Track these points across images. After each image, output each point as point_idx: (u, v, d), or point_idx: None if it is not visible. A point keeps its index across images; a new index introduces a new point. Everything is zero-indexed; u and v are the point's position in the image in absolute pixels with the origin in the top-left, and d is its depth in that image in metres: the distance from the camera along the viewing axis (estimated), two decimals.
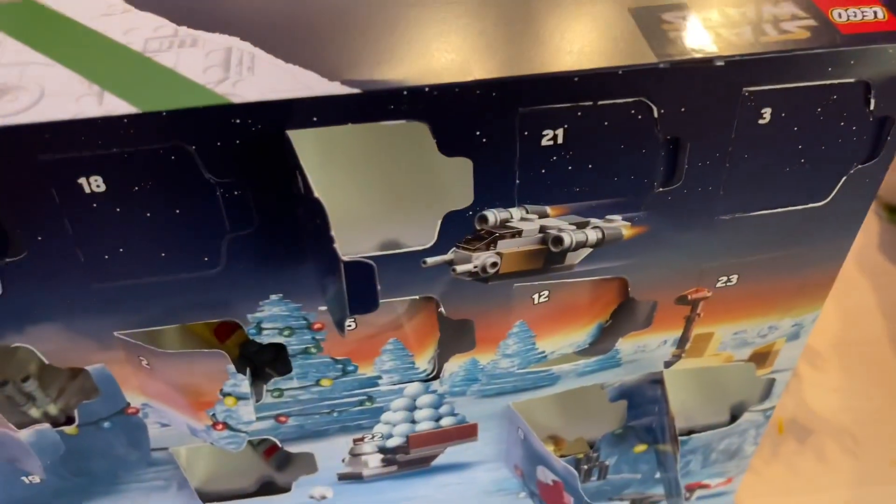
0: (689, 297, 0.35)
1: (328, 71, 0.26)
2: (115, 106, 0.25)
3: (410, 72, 0.26)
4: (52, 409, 0.35)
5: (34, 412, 0.35)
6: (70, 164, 0.26)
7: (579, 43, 0.27)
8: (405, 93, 0.26)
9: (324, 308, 0.32)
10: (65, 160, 0.26)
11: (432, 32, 0.28)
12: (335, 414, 0.37)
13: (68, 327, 0.31)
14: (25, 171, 0.26)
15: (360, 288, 0.24)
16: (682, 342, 0.38)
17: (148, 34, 0.28)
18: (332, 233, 0.24)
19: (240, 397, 0.33)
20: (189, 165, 0.27)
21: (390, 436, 0.39)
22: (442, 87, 0.26)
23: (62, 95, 0.26)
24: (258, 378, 0.36)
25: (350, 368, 0.35)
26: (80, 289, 0.29)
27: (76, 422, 0.34)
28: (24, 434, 0.32)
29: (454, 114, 0.27)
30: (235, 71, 0.26)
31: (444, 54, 0.27)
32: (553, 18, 0.28)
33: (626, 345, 0.37)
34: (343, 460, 0.40)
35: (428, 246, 0.30)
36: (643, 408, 0.42)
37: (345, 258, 0.24)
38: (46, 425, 0.33)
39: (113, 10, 0.30)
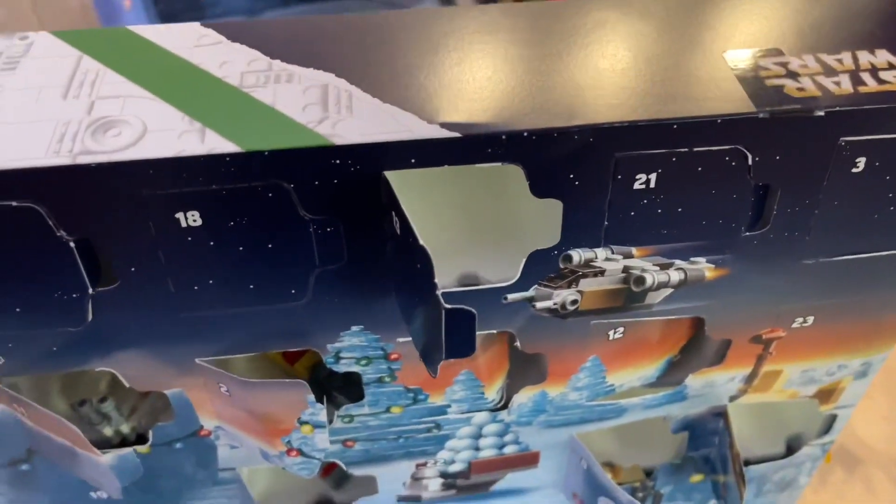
0: (764, 336, 0.35)
1: (426, 112, 0.26)
2: (218, 144, 0.25)
3: (507, 113, 0.26)
4: (125, 428, 0.36)
5: (107, 430, 0.35)
6: (170, 199, 0.26)
7: (676, 88, 0.27)
8: (504, 137, 0.26)
9: (402, 339, 0.32)
10: (165, 195, 0.26)
11: (529, 74, 0.28)
12: (402, 440, 0.37)
13: (151, 353, 0.31)
14: (126, 205, 0.26)
15: (460, 334, 0.25)
16: (750, 378, 0.38)
17: (243, 68, 0.28)
18: (436, 280, 0.24)
19: (316, 426, 0.33)
20: (285, 202, 0.27)
21: (453, 461, 0.39)
22: (541, 132, 0.26)
23: (165, 131, 0.26)
24: (327, 402, 0.36)
25: (421, 397, 0.35)
26: (166, 317, 0.30)
27: (149, 441, 0.35)
28: (107, 458, 0.33)
29: (551, 157, 0.27)
30: (334, 110, 0.27)
31: (541, 96, 0.27)
32: (649, 64, 0.28)
33: (694, 380, 0.37)
34: (404, 483, 0.40)
35: (510, 283, 0.30)
36: (703, 439, 0.42)
37: (447, 305, 0.24)
38: (129, 450, 0.34)
39: (204, 42, 0.30)
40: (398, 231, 0.26)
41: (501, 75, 0.28)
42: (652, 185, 0.28)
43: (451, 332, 0.24)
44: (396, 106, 0.27)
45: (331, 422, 0.35)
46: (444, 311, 0.24)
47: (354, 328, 0.31)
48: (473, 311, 0.24)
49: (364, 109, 0.27)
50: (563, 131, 0.26)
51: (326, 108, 0.27)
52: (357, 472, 0.39)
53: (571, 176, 0.27)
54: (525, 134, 0.26)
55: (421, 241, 0.24)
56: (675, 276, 0.31)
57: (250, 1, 1.08)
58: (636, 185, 0.28)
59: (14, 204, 0.25)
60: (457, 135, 0.26)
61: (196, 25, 0.30)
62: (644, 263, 0.31)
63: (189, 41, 0.30)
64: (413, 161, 0.26)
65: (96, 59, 0.29)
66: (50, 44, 0.30)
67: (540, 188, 0.27)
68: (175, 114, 0.26)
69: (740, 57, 0.29)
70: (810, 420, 0.42)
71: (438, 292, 0.24)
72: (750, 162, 0.28)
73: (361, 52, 0.29)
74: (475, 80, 0.28)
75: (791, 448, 0.45)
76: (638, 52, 0.29)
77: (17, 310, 0.28)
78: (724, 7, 0.32)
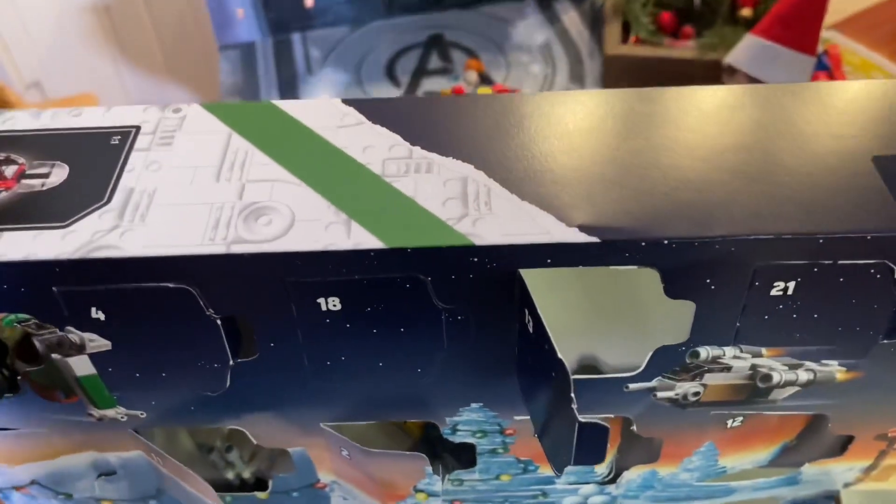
0: (890, 434, 0.34)
1: (563, 212, 0.27)
2: (363, 239, 0.26)
3: (644, 216, 0.26)
4: (246, 473, 0.37)
5: (230, 474, 0.37)
6: (313, 286, 0.27)
7: (824, 199, 0.27)
8: (643, 244, 0.26)
9: (519, 417, 0.33)
10: (309, 283, 0.27)
11: (671, 178, 0.28)
12: (507, 503, 0.38)
13: (279, 416, 0.32)
14: (272, 289, 0.27)
15: (591, 446, 0.25)
16: (868, 469, 0.37)
17: (384, 154, 0.29)
18: (573, 394, 0.24)
19: (431, 494, 0.34)
20: (421, 292, 0.27)
21: None
22: (682, 241, 0.26)
23: (312, 222, 0.27)
24: (438, 460, 0.37)
25: (531, 468, 0.35)
26: (297, 386, 0.31)
27: (269, 489, 0.36)
28: None
29: (688, 263, 0.26)
30: (473, 206, 0.27)
31: (677, 197, 0.27)
32: (786, 167, 0.28)
33: (811, 468, 0.36)
34: None
35: (634, 374, 0.30)
36: None
37: (581, 419, 0.24)
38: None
39: (347, 122, 0.31)
40: (531, 330, 0.27)
41: (634, 171, 0.28)
42: (790, 292, 0.27)
43: (582, 444, 0.25)
44: (534, 204, 0.27)
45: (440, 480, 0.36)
46: (577, 425, 0.24)
47: (474, 405, 0.32)
48: (607, 426, 0.24)
49: (502, 207, 0.27)
50: (705, 241, 0.26)
51: (466, 204, 0.27)
52: None
53: (707, 281, 0.27)
54: (665, 242, 0.26)
55: (559, 355, 0.24)
56: (804, 376, 0.30)
57: (355, 10, 1.10)
58: (773, 292, 0.27)
59: (170, 285, 0.27)
60: (595, 240, 0.26)
61: (337, 102, 0.31)
62: (772, 363, 0.30)
63: (332, 120, 0.31)
64: (549, 261, 0.27)
65: (244, 137, 0.30)
66: (201, 118, 0.31)
67: (674, 291, 0.27)
68: (321, 202, 0.27)
69: (889, 162, 0.28)
70: None
71: (573, 406, 0.24)
72: None
73: (497, 140, 0.29)
74: (609, 176, 0.28)
75: None
76: (771, 153, 0.28)
77: (164, 374, 0.30)
78: (857, 105, 0.30)
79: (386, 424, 0.38)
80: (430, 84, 0.96)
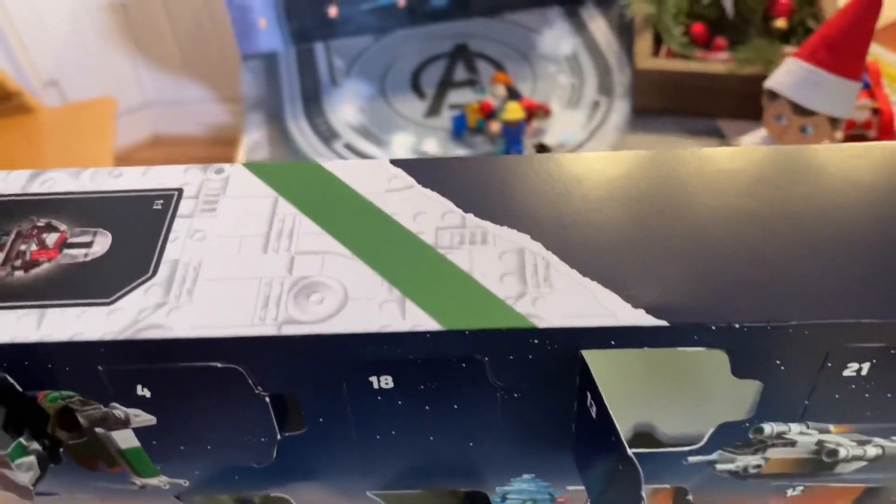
0: None
1: (628, 291, 0.25)
2: (419, 321, 0.25)
3: (710, 294, 0.25)
4: None
5: None
6: (366, 365, 0.26)
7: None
8: (713, 328, 0.25)
9: (572, 487, 0.32)
10: (362, 362, 0.26)
11: (736, 251, 0.26)
12: None
13: (325, 485, 0.31)
14: (323, 367, 0.26)
15: None
16: None
17: (437, 221, 0.28)
18: (643, 492, 0.23)
19: None
20: (476, 371, 0.26)
21: None
22: (753, 327, 0.25)
23: (366, 300, 0.26)
24: None
25: None
26: (345, 458, 0.30)
27: None
28: None
29: (759, 346, 0.25)
30: (532, 283, 0.26)
31: (751, 279, 0.26)
32: (869, 246, 0.26)
33: None
34: None
35: (694, 448, 0.29)
36: None
37: None
38: None
39: (396, 185, 0.30)
40: (593, 414, 0.26)
41: (698, 242, 0.27)
42: (863, 373, 0.26)
43: None
44: (596, 281, 0.26)
45: None
46: None
47: (526, 475, 0.31)
48: None
49: (562, 284, 0.26)
50: (778, 326, 0.25)
51: (524, 280, 0.26)
52: None
53: (777, 362, 0.26)
54: (737, 326, 0.25)
55: (629, 452, 0.23)
56: (872, 451, 0.29)
57: (378, 19, 1.09)
58: (846, 373, 0.26)
59: (218, 365, 0.26)
60: (664, 324, 0.25)
61: (385, 163, 0.30)
62: (840, 438, 0.29)
63: (380, 184, 0.30)
64: (613, 343, 0.25)
65: (291, 203, 0.29)
66: (245, 180, 0.30)
67: (742, 371, 0.26)
68: (373, 277, 0.26)
69: None
70: None
71: (643, 503, 0.23)
72: None
73: (551, 206, 0.28)
74: (672, 248, 0.26)
75: None
76: (841, 223, 0.27)
77: (209, 447, 0.29)
78: None
79: None
80: (456, 96, 0.94)
